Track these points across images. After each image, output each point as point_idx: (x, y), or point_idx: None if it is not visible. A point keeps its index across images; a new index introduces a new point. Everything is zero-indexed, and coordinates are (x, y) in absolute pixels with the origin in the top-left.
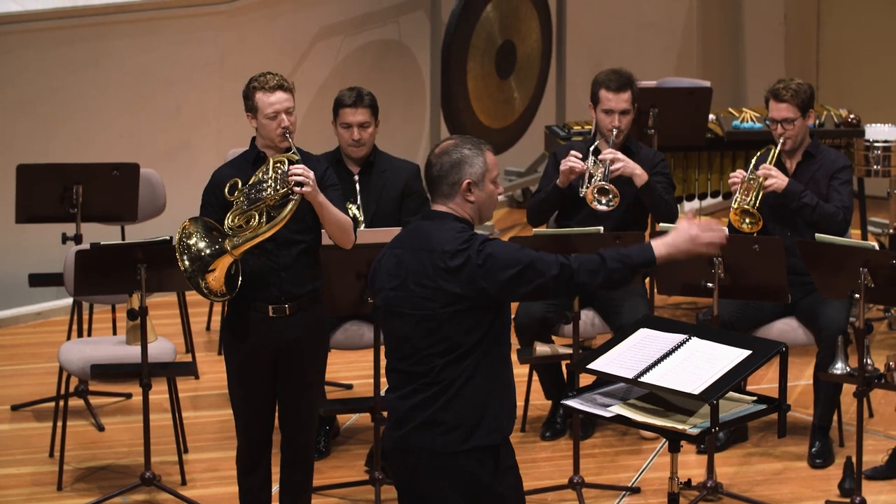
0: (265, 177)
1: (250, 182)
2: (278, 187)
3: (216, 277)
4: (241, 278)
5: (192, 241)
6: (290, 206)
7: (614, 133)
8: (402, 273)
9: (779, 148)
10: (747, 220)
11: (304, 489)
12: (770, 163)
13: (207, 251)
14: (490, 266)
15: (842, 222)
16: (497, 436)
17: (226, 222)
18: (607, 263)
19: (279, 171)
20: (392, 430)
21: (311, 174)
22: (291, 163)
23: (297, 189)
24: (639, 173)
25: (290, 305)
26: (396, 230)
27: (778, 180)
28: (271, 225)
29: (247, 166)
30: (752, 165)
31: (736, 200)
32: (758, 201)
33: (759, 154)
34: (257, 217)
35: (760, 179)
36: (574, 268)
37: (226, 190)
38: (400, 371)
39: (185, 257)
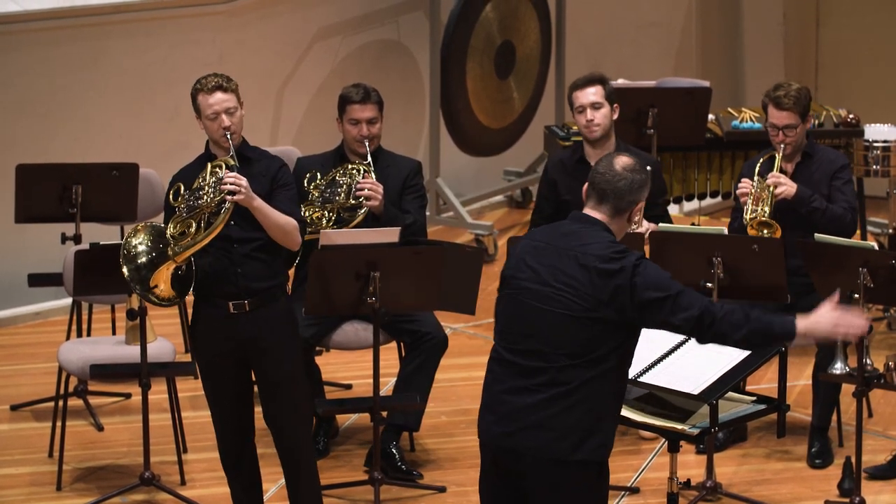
0: (203, 183)
1: (192, 188)
2: (214, 195)
3: (162, 289)
4: (193, 282)
5: (133, 242)
6: (222, 215)
7: (591, 130)
8: (544, 269)
9: (781, 154)
10: (765, 231)
11: (303, 488)
12: (775, 170)
13: (145, 258)
14: (642, 283)
15: (850, 223)
16: (604, 452)
17: (167, 230)
18: (751, 324)
19: (215, 178)
20: (495, 425)
21: (243, 181)
22: (228, 167)
23: (228, 198)
24: None
25: (249, 302)
26: (395, 230)
27: (788, 187)
28: (208, 232)
29: (201, 168)
30: (756, 174)
31: (748, 211)
32: (771, 210)
33: (761, 161)
34: (195, 225)
35: (771, 188)
36: (717, 316)
37: (170, 196)
38: (515, 364)
39: (126, 265)
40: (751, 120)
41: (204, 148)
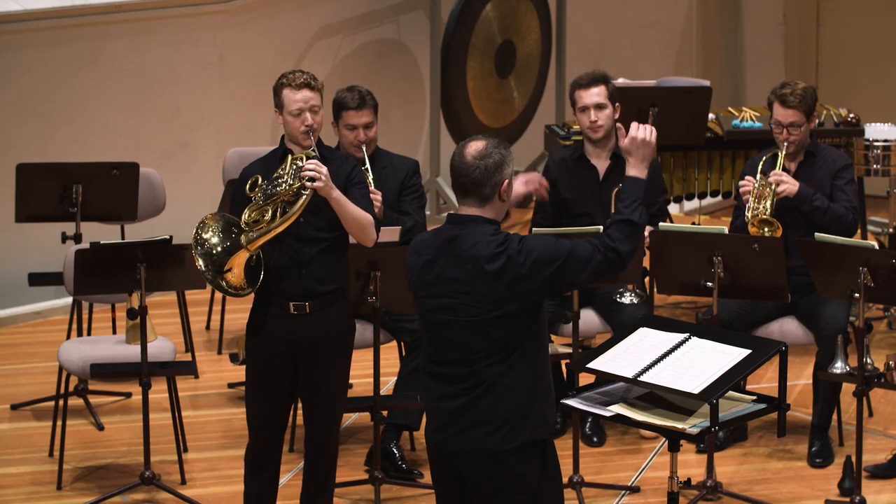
0: (282, 172)
1: (270, 178)
2: (292, 182)
3: (235, 274)
4: (262, 271)
5: (206, 236)
6: (301, 201)
7: (595, 131)
8: (438, 282)
9: (784, 152)
10: (766, 229)
11: (324, 486)
12: (778, 168)
13: (220, 247)
14: (532, 265)
15: (852, 223)
16: (543, 431)
17: (242, 217)
18: (632, 220)
19: (295, 167)
20: (436, 432)
21: (324, 169)
22: (308, 158)
23: (308, 184)
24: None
25: (310, 304)
26: (396, 229)
27: (790, 185)
28: (283, 219)
29: (275, 162)
30: (759, 171)
31: (750, 208)
32: (773, 208)
33: (764, 159)
34: (271, 212)
35: (773, 186)
36: (614, 245)
37: (247, 186)
38: (441, 374)
39: (199, 255)
40: (751, 119)
41: (279, 142)
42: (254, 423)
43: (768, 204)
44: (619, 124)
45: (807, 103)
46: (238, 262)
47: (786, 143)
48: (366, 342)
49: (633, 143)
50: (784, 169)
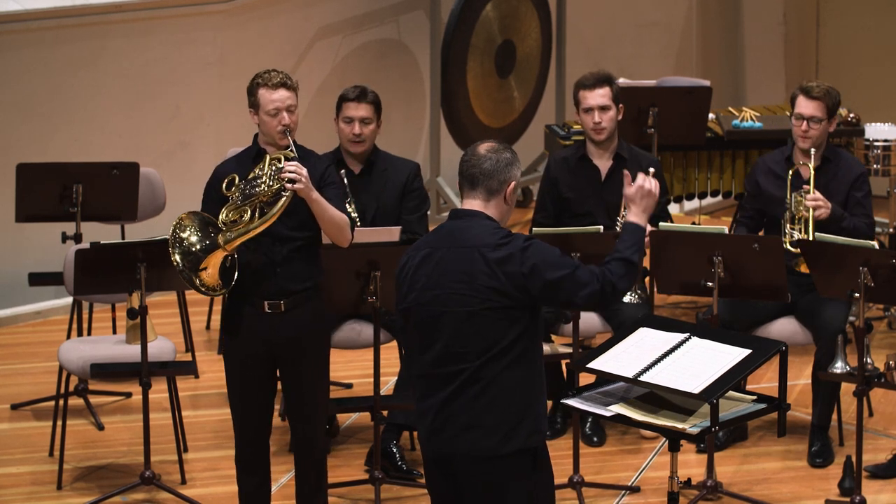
0: (260, 173)
1: (247, 178)
2: (271, 183)
3: (210, 273)
4: (237, 272)
5: (184, 235)
6: (281, 203)
7: (598, 132)
8: (436, 273)
9: (812, 162)
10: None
11: (315, 484)
12: (811, 186)
13: (199, 245)
14: (532, 268)
15: (870, 238)
16: (537, 437)
17: (220, 217)
18: (632, 260)
19: (274, 168)
20: (430, 436)
21: (304, 171)
22: (287, 160)
23: (288, 186)
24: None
25: (285, 302)
26: (396, 229)
27: (825, 210)
28: (262, 220)
29: (248, 162)
30: (788, 189)
31: (788, 234)
32: (812, 232)
33: (791, 173)
34: (250, 212)
35: (812, 211)
36: (613, 280)
37: (223, 186)
38: (433, 375)
39: (177, 252)
40: (751, 119)
41: (252, 141)
42: (238, 425)
43: (810, 228)
44: (626, 171)
45: (830, 99)
46: (214, 262)
47: (801, 140)
48: (366, 342)
49: (639, 192)
50: (798, 175)
